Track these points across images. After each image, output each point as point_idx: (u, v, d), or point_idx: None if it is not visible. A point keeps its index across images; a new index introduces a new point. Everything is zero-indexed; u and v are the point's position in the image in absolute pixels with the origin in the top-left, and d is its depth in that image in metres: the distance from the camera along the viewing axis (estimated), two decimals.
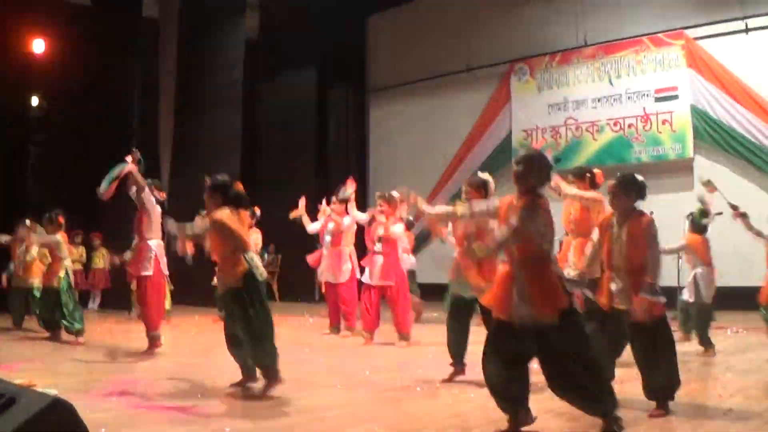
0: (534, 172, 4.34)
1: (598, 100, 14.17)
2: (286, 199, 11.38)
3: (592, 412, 4.29)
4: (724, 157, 12.84)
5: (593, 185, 6.85)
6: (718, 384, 6.08)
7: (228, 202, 5.74)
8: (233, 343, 5.77)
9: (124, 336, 8.86)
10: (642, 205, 5.09)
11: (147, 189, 7.93)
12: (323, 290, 10.23)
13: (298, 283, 15.88)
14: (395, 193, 8.64)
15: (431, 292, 11.09)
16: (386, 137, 17.52)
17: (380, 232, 8.78)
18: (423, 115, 16.70)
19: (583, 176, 6.91)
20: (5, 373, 6.48)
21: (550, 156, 4.47)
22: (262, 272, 5.69)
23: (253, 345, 5.54)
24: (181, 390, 5.93)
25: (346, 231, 9.77)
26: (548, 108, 14.83)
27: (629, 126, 13.70)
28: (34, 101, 11.85)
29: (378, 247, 8.80)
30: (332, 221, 9.85)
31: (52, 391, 5.48)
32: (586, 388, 4.18)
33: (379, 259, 8.76)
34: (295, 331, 10.41)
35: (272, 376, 5.57)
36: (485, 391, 4.53)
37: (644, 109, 13.53)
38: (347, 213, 9.77)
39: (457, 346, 6.31)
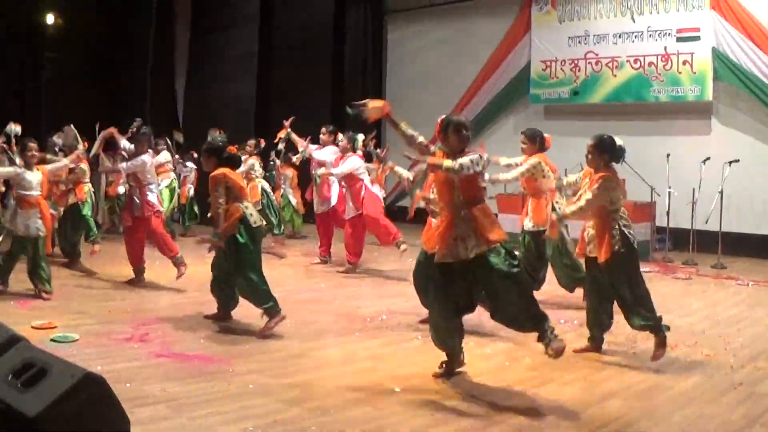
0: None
1: (619, 36, 13.89)
2: (300, 118, 11.51)
3: (529, 328, 4.82)
4: (742, 101, 12.67)
5: (542, 148, 7.31)
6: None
7: (222, 164, 6.45)
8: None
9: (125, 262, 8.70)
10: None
11: None
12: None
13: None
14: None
15: None
16: (403, 60, 17.27)
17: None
18: (441, 39, 16.41)
19: (534, 139, 7.32)
20: (23, 311, 6.67)
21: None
22: (255, 220, 6.36)
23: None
24: (199, 334, 6.12)
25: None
26: (568, 40, 14.55)
27: (649, 64, 13.48)
28: (50, 19, 11.69)
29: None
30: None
31: (74, 336, 5.70)
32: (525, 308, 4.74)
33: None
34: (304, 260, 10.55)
35: (272, 314, 6.25)
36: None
37: (665, 48, 13.28)
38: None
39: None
